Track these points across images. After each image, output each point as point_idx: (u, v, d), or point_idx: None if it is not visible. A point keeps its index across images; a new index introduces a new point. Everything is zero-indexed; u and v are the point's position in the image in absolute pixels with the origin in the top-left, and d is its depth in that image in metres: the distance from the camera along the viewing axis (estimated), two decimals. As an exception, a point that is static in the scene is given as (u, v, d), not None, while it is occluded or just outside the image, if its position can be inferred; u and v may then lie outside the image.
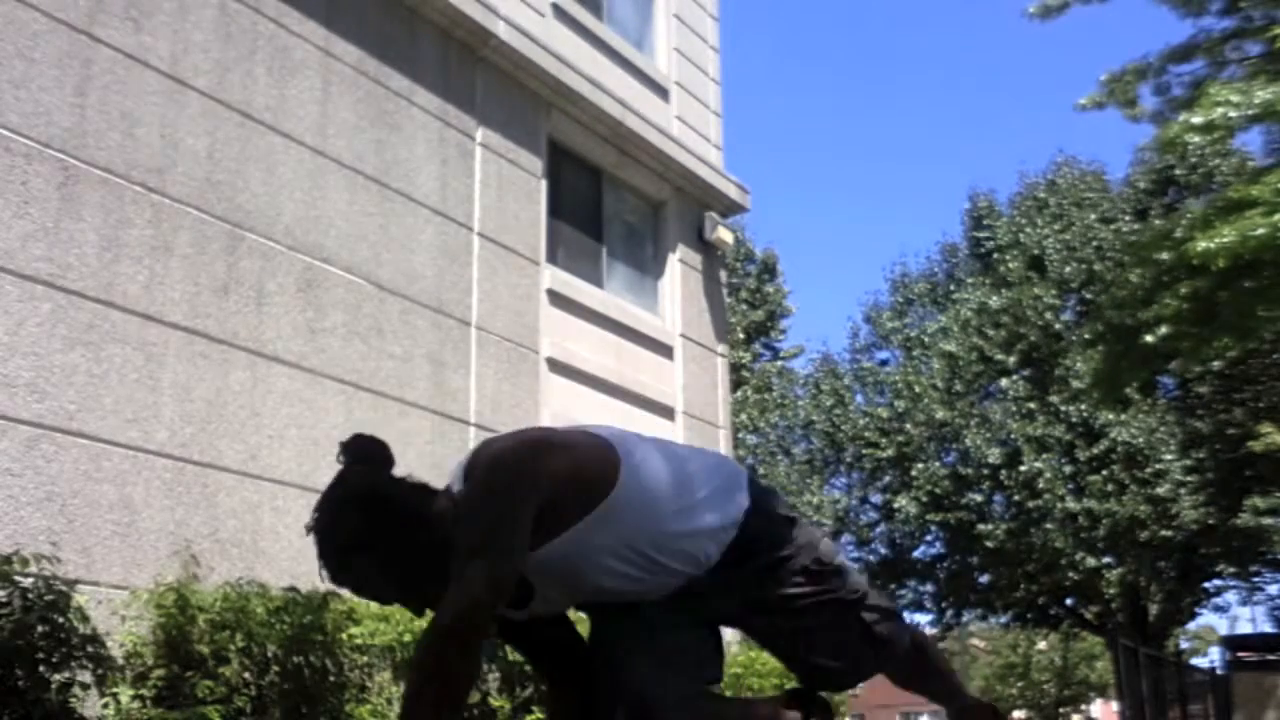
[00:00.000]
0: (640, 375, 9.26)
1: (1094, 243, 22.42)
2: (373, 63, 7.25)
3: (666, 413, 9.51)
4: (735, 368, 20.23)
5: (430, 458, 6.74)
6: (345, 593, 5.20)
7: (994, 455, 21.74)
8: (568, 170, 9.21)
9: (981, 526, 21.99)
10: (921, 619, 26.85)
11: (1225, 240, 9.29)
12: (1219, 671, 20.55)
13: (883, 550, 24.72)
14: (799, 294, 62.68)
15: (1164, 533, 21.01)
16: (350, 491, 1.96)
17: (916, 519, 22.75)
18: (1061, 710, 41.23)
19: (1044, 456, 21.39)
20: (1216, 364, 19.48)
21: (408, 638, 5.13)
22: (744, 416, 23.21)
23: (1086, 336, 17.61)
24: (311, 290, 6.49)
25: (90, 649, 4.18)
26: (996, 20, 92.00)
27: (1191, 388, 22.12)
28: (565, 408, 8.27)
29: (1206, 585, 25.15)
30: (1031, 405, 21.98)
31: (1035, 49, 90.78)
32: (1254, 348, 16.53)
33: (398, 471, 2.01)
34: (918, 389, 23.05)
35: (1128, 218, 22.34)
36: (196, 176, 5.99)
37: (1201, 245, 9.46)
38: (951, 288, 25.10)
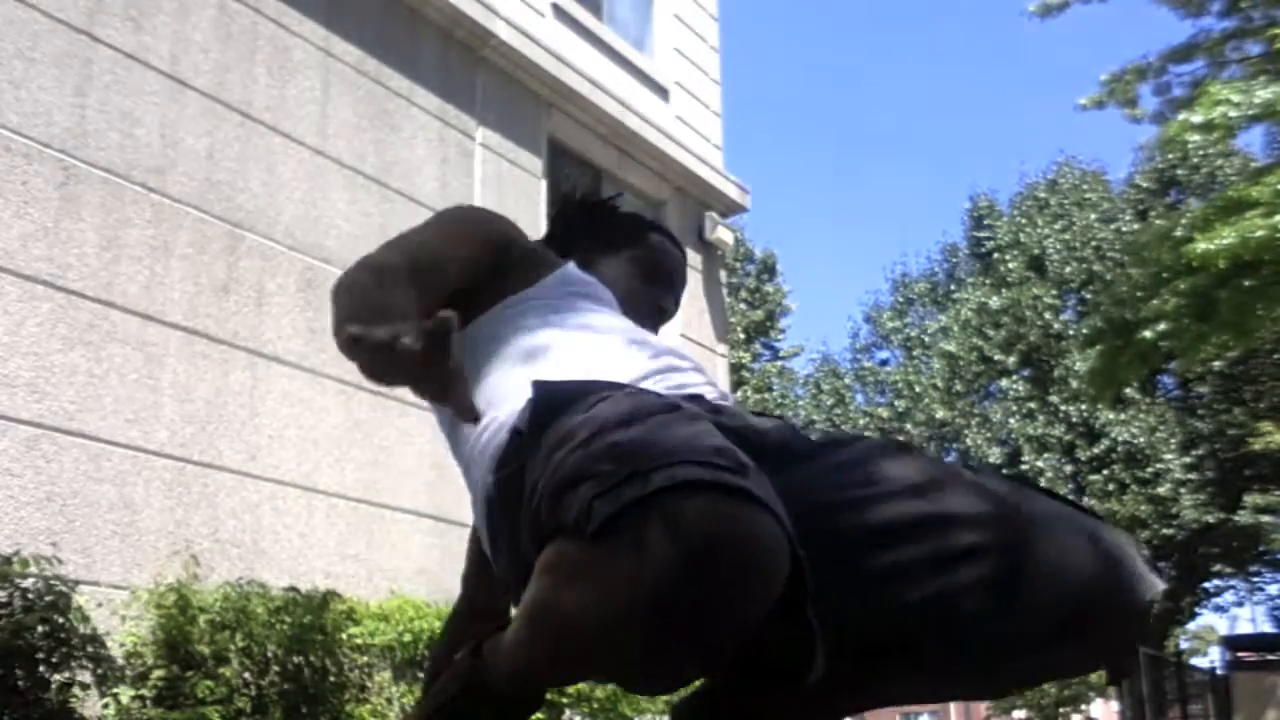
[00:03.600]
0: (640, 375, 9.24)
1: (1094, 243, 22.45)
2: (373, 63, 7.26)
3: (666, 413, 9.50)
4: (735, 368, 20.23)
5: (430, 458, 6.74)
6: (345, 592, 5.23)
7: (994, 455, 21.77)
8: (568, 170, 9.21)
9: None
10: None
11: (1225, 242, 9.30)
12: (1219, 671, 20.55)
13: (883, 550, 24.69)
14: (799, 294, 62.67)
15: (1164, 532, 21.03)
16: None
17: (917, 519, 22.73)
18: (1061, 710, 41.20)
19: (1044, 456, 21.42)
20: (1216, 364, 19.52)
21: (407, 638, 5.13)
22: (744, 416, 23.24)
23: (1085, 332, 17.64)
24: (311, 290, 6.49)
25: (90, 649, 4.18)
26: (997, 20, 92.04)
27: (1191, 387, 22.15)
28: (565, 408, 8.26)
29: (1206, 585, 25.17)
30: (1032, 405, 22.01)
31: (1036, 49, 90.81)
32: (1254, 348, 16.53)
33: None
34: (918, 389, 23.08)
35: (1129, 217, 22.37)
36: (196, 176, 5.99)
37: (1201, 247, 9.48)
38: (952, 288, 25.15)
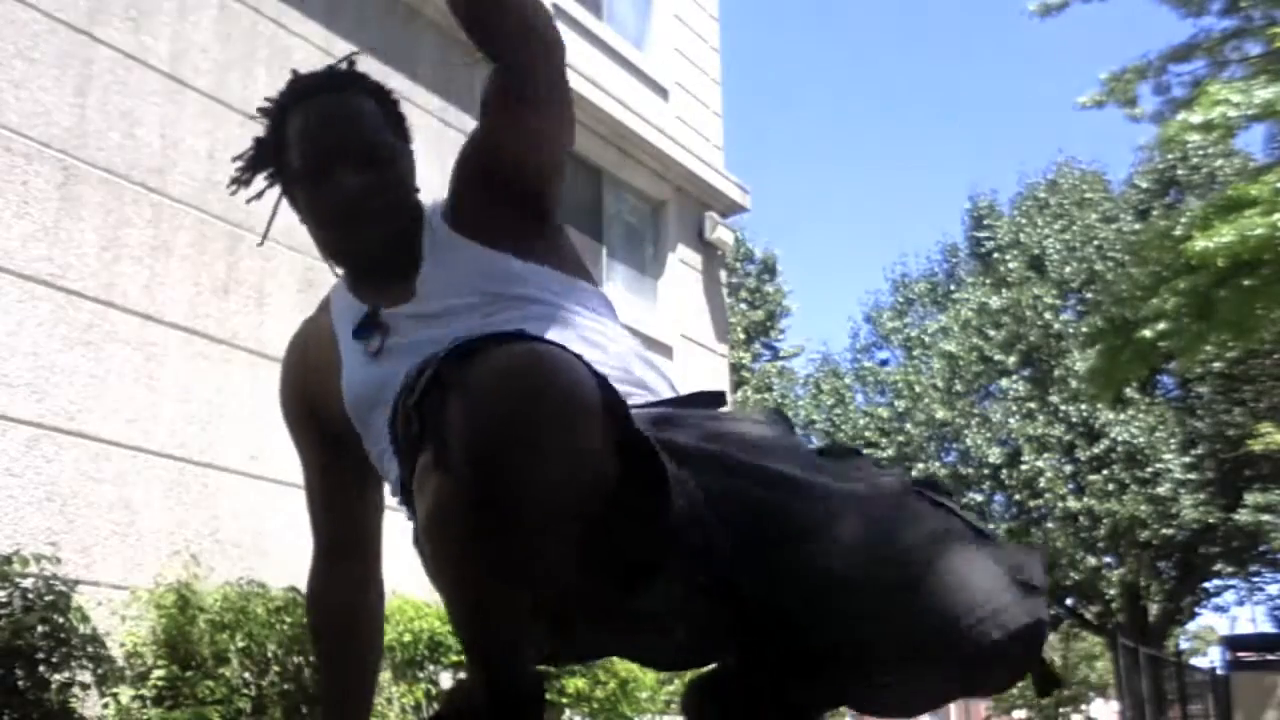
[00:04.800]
0: (640, 375, 9.25)
1: (1094, 242, 22.45)
2: (373, 63, 7.24)
3: (666, 413, 9.50)
4: (735, 368, 20.23)
5: (430, 458, 6.74)
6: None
7: (994, 455, 21.77)
8: (568, 170, 9.21)
9: (982, 526, 21.99)
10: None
11: (1224, 240, 9.30)
12: (1219, 671, 20.56)
13: (883, 550, 24.70)
14: (799, 294, 62.58)
15: (1164, 532, 21.03)
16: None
17: (917, 519, 22.74)
18: (1061, 710, 41.21)
19: (1044, 456, 21.41)
20: (1216, 364, 19.52)
21: (407, 638, 5.13)
22: (744, 416, 23.22)
23: (1085, 332, 17.64)
24: (311, 290, 6.49)
25: (90, 649, 4.18)
26: (997, 20, 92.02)
27: (1191, 388, 22.14)
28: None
29: (1206, 585, 25.17)
30: (1032, 405, 22.00)
31: (1036, 49, 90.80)
32: (1254, 348, 16.53)
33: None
34: (918, 389, 23.08)
35: (1129, 217, 22.36)
36: (196, 176, 5.99)
37: (1200, 245, 9.47)
38: (952, 288, 25.15)
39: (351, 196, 1.56)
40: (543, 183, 1.61)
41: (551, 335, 1.40)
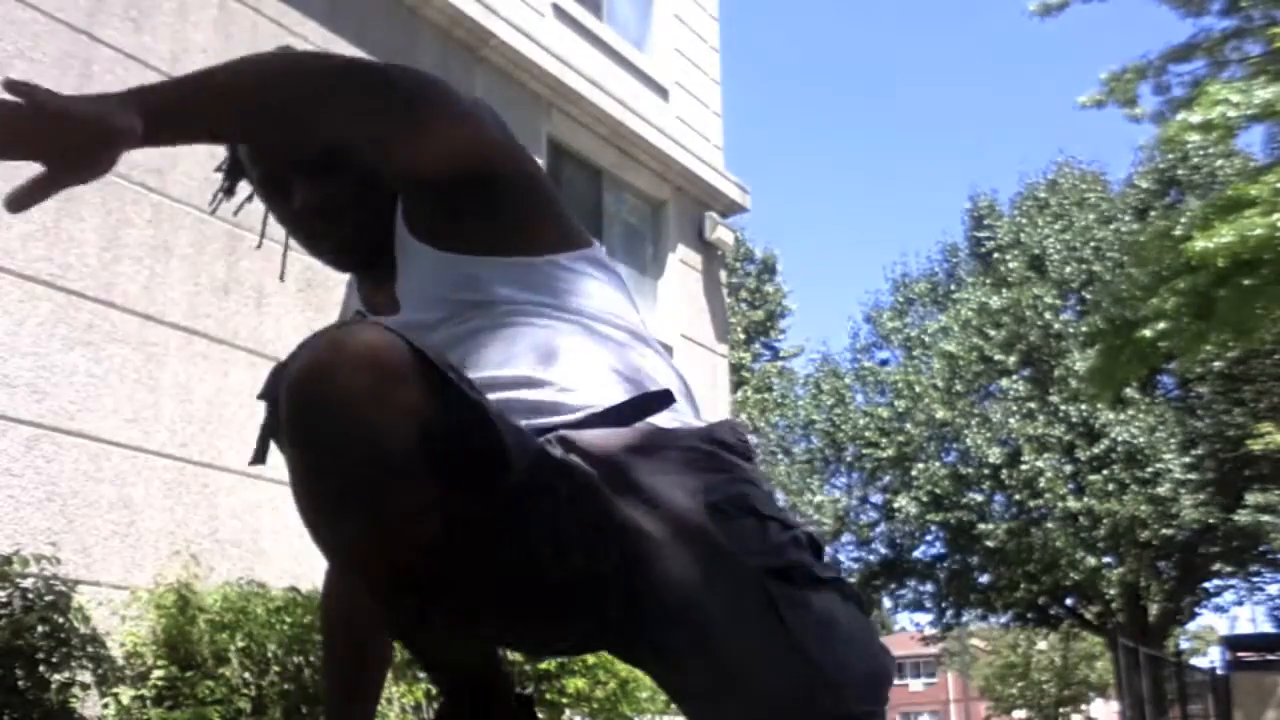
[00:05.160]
0: (640, 375, 9.24)
1: (1094, 243, 22.45)
2: (373, 63, 7.25)
3: (666, 413, 9.50)
4: (735, 368, 20.22)
5: (430, 458, 6.74)
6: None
7: (994, 455, 21.75)
8: (568, 170, 9.21)
9: (982, 526, 22.01)
10: (922, 619, 26.98)
11: (1224, 240, 9.30)
12: (1219, 671, 20.56)
13: (883, 550, 24.75)
14: (799, 294, 62.66)
15: (1164, 532, 21.03)
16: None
17: (916, 519, 22.77)
18: (1061, 710, 41.23)
19: (1044, 456, 21.41)
20: (1217, 364, 19.53)
21: (408, 638, 5.13)
22: (744, 416, 23.24)
23: (1085, 332, 17.64)
24: (311, 290, 6.50)
25: (90, 649, 4.18)
26: (997, 20, 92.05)
27: (1191, 387, 22.16)
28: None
29: (1206, 585, 25.18)
30: (1032, 405, 22.00)
31: (1036, 49, 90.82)
32: (1254, 348, 16.53)
33: None
34: (918, 389, 23.07)
35: (1128, 218, 22.36)
36: (196, 176, 5.98)
37: (1200, 245, 9.48)
38: (952, 288, 25.15)
39: (306, 212, 1.51)
40: (478, 166, 1.48)
41: (525, 335, 1.39)
